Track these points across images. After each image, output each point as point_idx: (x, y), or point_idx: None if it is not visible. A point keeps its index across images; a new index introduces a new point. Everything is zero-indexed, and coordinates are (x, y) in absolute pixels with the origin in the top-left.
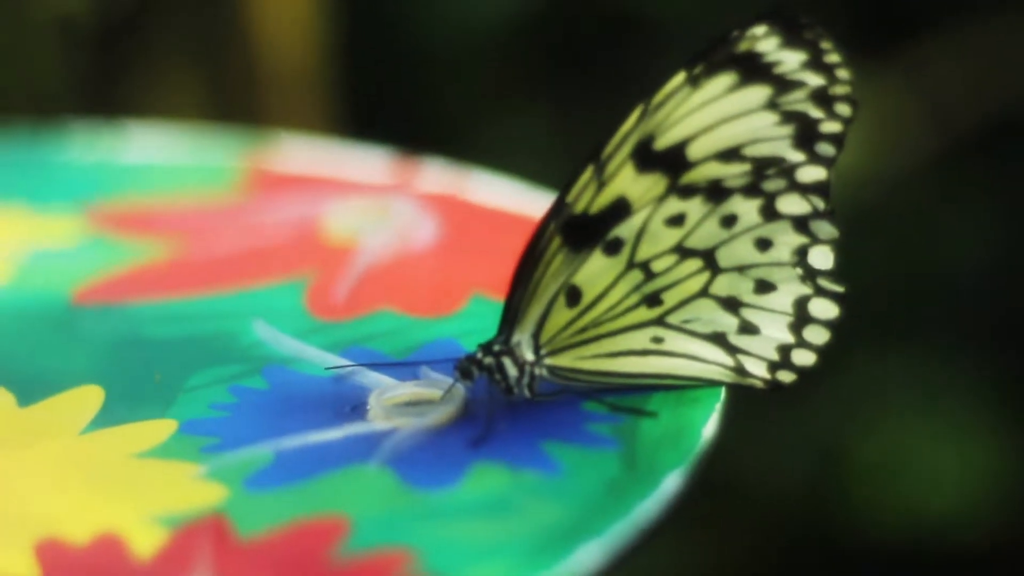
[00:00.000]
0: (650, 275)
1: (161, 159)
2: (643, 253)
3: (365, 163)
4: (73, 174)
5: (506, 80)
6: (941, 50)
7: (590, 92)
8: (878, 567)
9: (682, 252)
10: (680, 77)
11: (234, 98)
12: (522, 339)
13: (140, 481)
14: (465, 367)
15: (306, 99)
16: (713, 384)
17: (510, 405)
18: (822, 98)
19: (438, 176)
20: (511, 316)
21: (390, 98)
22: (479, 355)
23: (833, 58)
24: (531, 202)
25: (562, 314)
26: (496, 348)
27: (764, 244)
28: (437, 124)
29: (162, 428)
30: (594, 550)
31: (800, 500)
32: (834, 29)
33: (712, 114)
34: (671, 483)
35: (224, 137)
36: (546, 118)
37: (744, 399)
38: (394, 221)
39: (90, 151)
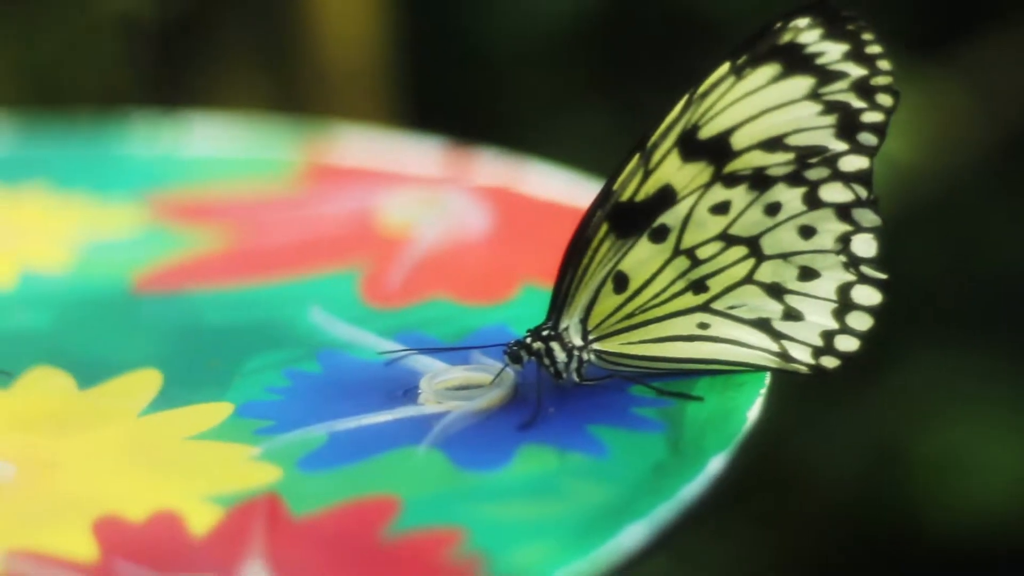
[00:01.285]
0: (696, 262)
1: (220, 151)
2: (689, 240)
3: (419, 155)
4: (134, 165)
5: (566, 79)
6: (998, 47)
7: (650, 91)
8: (935, 564)
9: (727, 239)
10: (724, 68)
11: (296, 94)
12: (570, 324)
13: (196, 462)
14: (514, 352)
15: (368, 96)
16: (758, 369)
17: (558, 389)
18: (864, 88)
19: (490, 167)
20: (559, 302)
21: (451, 96)
22: (528, 340)
23: (874, 49)
24: (582, 193)
25: (609, 300)
26: (545, 333)
27: (808, 232)
28: (497, 123)
29: (218, 411)
30: (640, 531)
31: (857, 497)
32: (892, 25)
33: (756, 104)
34: (716, 465)
35: (281, 130)
36: (605, 117)
37: (800, 396)
38: (447, 212)
39: (151, 143)
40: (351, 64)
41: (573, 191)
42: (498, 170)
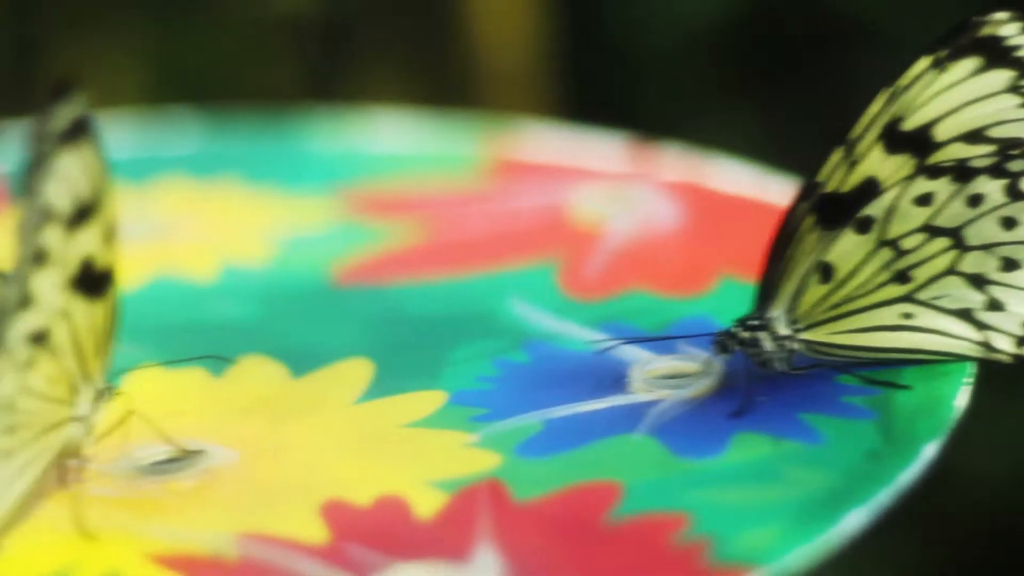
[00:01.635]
0: (900, 253)
1: (405, 147)
2: (893, 231)
3: (603, 151)
4: (322, 160)
5: (710, 78)
6: None
7: (796, 92)
8: None
9: (930, 231)
10: (925, 61)
11: (452, 93)
12: (777, 314)
13: (415, 449)
14: (723, 341)
15: (523, 94)
16: (960, 359)
17: (766, 378)
18: None
19: (676, 163)
20: (766, 292)
21: (600, 96)
22: (736, 330)
23: None
24: (767, 188)
25: (815, 290)
26: (753, 323)
27: (1009, 223)
28: (646, 121)
29: (432, 399)
30: (860, 516)
31: (1009, 498)
32: None
33: (957, 97)
34: (929, 452)
35: (464, 126)
36: (752, 117)
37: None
38: (637, 206)
39: (337, 138)
40: (507, 62)
41: (758, 186)
42: (682, 165)
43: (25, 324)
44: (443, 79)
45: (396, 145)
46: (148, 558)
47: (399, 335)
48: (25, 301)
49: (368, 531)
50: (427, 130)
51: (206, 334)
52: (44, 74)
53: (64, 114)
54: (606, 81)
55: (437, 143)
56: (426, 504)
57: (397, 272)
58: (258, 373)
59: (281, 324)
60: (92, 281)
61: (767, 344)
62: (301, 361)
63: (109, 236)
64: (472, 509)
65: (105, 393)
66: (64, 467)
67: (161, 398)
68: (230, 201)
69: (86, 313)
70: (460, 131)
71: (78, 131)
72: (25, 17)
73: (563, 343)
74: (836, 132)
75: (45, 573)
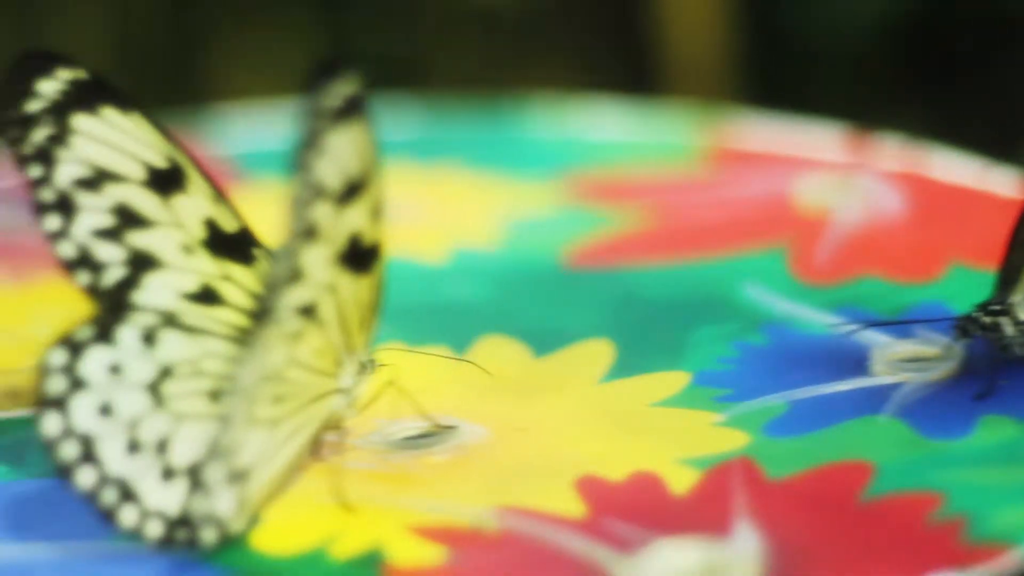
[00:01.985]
0: None
1: (624, 135)
2: None
3: (822, 140)
4: (542, 146)
5: (883, 79)
6: None
7: (964, 91)
8: None
9: None
10: None
11: (640, 84)
12: (1018, 300)
13: (663, 427)
14: (964, 326)
15: (704, 84)
16: None
17: (1008, 362)
18: None
19: (895, 153)
20: (1007, 278)
21: (778, 87)
22: (977, 315)
23: None
24: (986, 178)
25: None
26: (994, 308)
27: None
28: (821, 113)
29: (676, 379)
30: None
31: None
32: None
33: None
34: None
35: (681, 115)
36: (923, 114)
37: None
38: (861, 194)
39: (555, 126)
40: (691, 53)
41: (978, 176)
42: (902, 155)
43: (294, 297)
44: (632, 71)
45: (615, 132)
46: (408, 530)
47: (636, 317)
48: (295, 275)
49: (625, 506)
50: (644, 118)
51: (443, 315)
52: (207, 65)
53: (337, 92)
54: (783, 73)
55: (655, 131)
56: (680, 481)
57: (628, 256)
58: (500, 353)
59: (517, 305)
60: (359, 257)
61: (1008, 329)
62: (541, 341)
63: (376, 212)
64: (727, 486)
65: (367, 367)
66: (323, 439)
67: (408, 376)
68: (454, 185)
69: (351, 287)
70: (677, 120)
71: (351, 109)
72: (189, 7)
73: (800, 326)
74: (1009, 130)
75: (307, 544)
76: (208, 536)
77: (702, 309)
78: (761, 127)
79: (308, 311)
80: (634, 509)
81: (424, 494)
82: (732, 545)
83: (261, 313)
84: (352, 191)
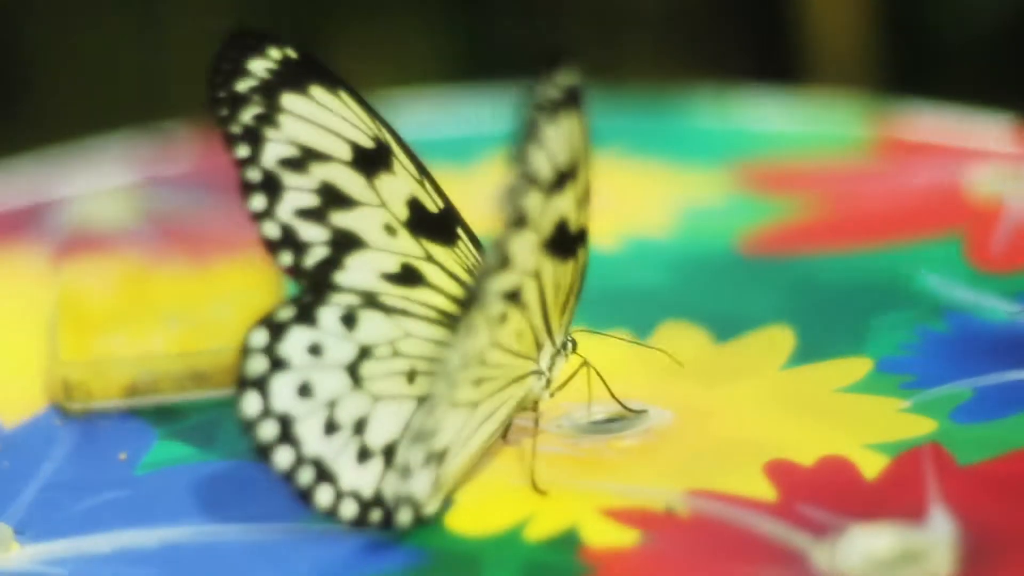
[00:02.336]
0: None
1: (789, 125)
2: None
3: (987, 130)
4: (710, 137)
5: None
6: None
7: None
8: None
9: None
10: None
11: (786, 75)
12: None
13: (849, 413)
14: None
15: (847, 77)
16: None
17: None
18: None
19: None
20: None
21: (918, 80)
22: None
23: None
24: None
25: None
26: None
27: None
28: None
29: (859, 365)
30: None
31: None
32: None
33: None
34: None
35: (846, 106)
36: None
37: None
38: None
39: (720, 116)
40: (839, 45)
41: None
42: None
43: (501, 283)
44: (775, 62)
45: (780, 123)
46: (601, 512)
47: (814, 303)
48: (504, 262)
49: (815, 490)
50: (808, 109)
51: (622, 301)
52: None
53: (558, 83)
54: (922, 63)
55: (820, 122)
56: (870, 466)
57: (802, 243)
58: (680, 339)
59: (695, 292)
60: (564, 243)
61: None
62: (722, 328)
63: (583, 200)
64: (917, 472)
65: (564, 349)
66: (513, 421)
67: (595, 360)
68: (624, 174)
69: (554, 273)
70: (840, 110)
71: (569, 100)
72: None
73: (980, 314)
74: None
75: (502, 525)
76: (403, 517)
77: (880, 296)
78: (926, 118)
79: (513, 296)
80: (826, 494)
81: (615, 477)
82: (927, 531)
83: (469, 298)
84: (562, 180)
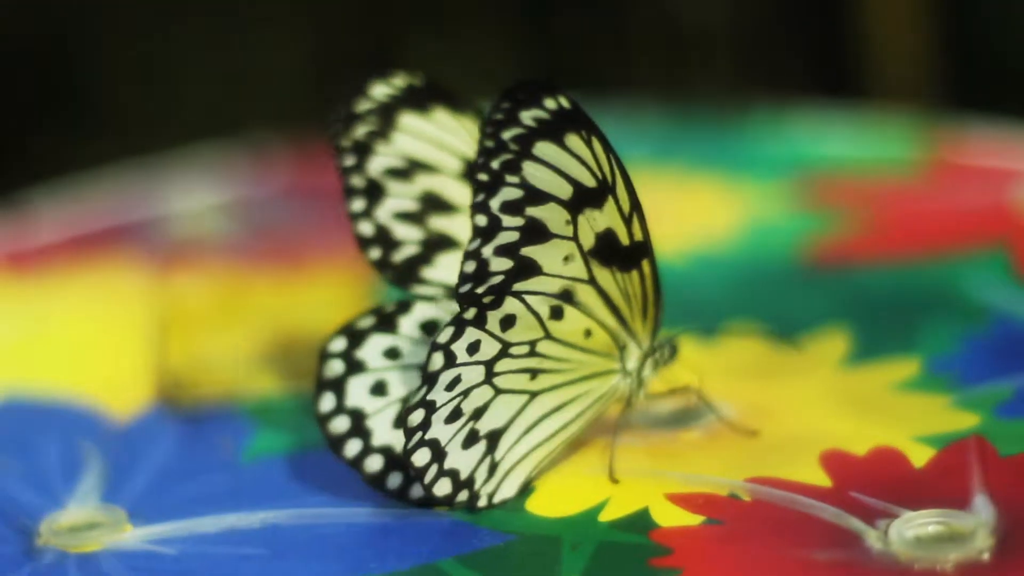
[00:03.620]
0: None
1: (848, 145)
2: None
3: None
4: (772, 154)
5: None
6: None
7: None
8: None
9: None
10: None
11: (845, 96)
12: None
13: (899, 408)
14: None
15: (908, 96)
16: None
17: None
18: None
19: None
20: None
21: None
22: None
23: None
24: None
25: None
26: None
27: None
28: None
29: (909, 365)
30: None
31: None
32: None
33: None
34: None
35: (903, 128)
36: None
37: None
38: None
39: (783, 135)
40: (899, 66)
41: None
42: None
43: (531, 286)
44: (834, 82)
45: (840, 143)
46: (669, 497)
47: (869, 309)
48: (528, 269)
49: (867, 479)
50: (866, 129)
51: (689, 310)
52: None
53: (547, 107)
54: (982, 89)
55: (877, 142)
56: (918, 455)
57: (858, 256)
58: (743, 340)
59: (756, 301)
60: (617, 254)
61: None
62: (783, 330)
63: (631, 215)
64: (962, 462)
65: (659, 353)
66: (604, 416)
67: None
68: (688, 190)
69: (616, 280)
70: (896, 131)
71: (563, 122)
72: (386, 12)
73: (1022, 319)
74: None
75: (580, 508)
76: (440, 489)
77: (930, 303)
78: (978, 139)
79: (565, 296)
80: (878, 481)
81: (683, 467)
82: (970, 515)
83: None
84: (587, 197)
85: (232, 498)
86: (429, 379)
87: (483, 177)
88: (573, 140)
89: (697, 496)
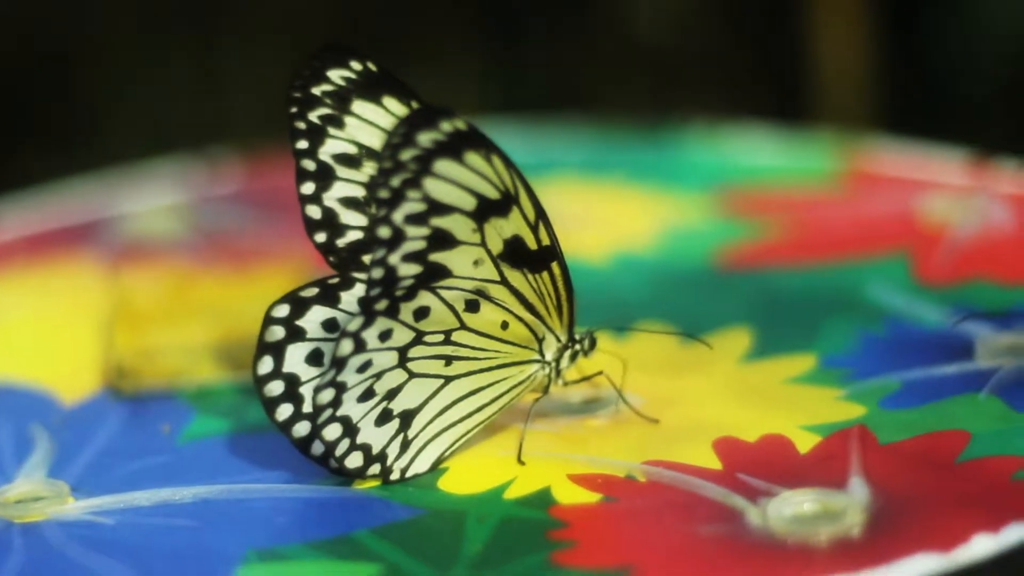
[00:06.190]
0: None
1: (770, 158)
2: None
3: (946, 164)
4: (699, 166)
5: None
6: None
7: None
8: None
9: None
10: None
11: (789, 114)
12: None
13: (792, 400)
14: None
15: (849, 112)
16: None
17: None
18: None
19: (1012, 177)
20: None
21: (913, 123)
22: None
23: None
24: None
25: None
26: None
27: None
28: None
29: (806, 360)
30: None
31: None
32: None
33: None
34: None
35: (820, 142)
36: None
37: None
38: (978, 212)
39: (709, 148)
40: (841, 85)
41: None
42: (1017, 180)
43: (455, 284)
44: (780, 100)
45: (763, 156)
46: (570, 478)
47: (772, 310)
48: (437, 272)
49: (755, 463)
50: (790, 144)
51: (608, 307)
52: None
53: (441, 128)
54: (922, 104)
55: (798, 156)
56: (804, 442)
57: (768, 260)
58: (654, 337)
59: (670, 300)
60: (526, 257)
61: None
62: (690, 329)
63: (537, 223)
64: (843, 447)
65: (575, 345)
66: (518, 402)
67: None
68: (618, 199)
69: (527, 281)
70: (818, 146)
71: (459, 142)
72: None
73: (917, 320)
74: None
75: (486, 487)
76: (352, 463)
77: (830, 304)
78: (893, 153)
79: (480, 293)
80: (763, 465)
81: (585, 450)
82: (846, 496)
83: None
84: (491, 207)
85: (167, 475)
86: (337, 363)
87: (384, 194)
88: (472, 157)
89: (596, 476)
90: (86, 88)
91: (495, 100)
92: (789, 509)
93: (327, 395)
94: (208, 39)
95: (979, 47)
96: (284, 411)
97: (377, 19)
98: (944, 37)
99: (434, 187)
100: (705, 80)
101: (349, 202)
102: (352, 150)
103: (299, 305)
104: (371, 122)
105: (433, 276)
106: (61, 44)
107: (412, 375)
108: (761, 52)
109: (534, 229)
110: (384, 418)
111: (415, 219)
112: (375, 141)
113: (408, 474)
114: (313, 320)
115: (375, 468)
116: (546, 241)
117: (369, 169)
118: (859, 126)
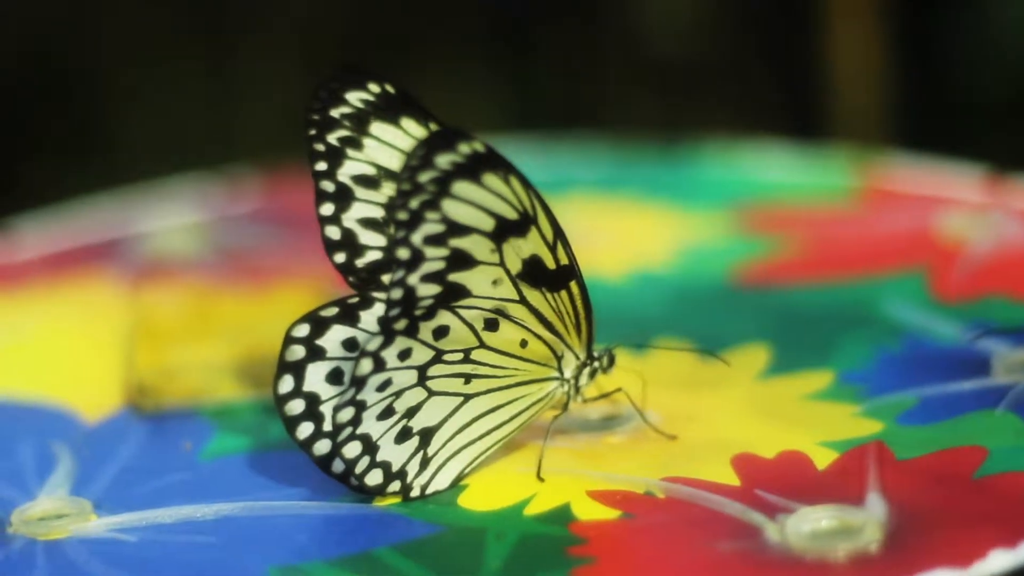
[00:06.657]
0: None
1: (787, 175)
2: None
3: (962, 181)
4: (715, 184)
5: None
6: None
7: None
8: None
9: None
10: None
11: (805, 130)
12: None
13: (810, 416)
14: None
15: (866, 129)
16: None
17: None
18: None
19: None
20: None
21: (934, 131)
22: None
23: None
24: None
25: None
26: None
27: None
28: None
29: (823, 377)
30: None
31: None
32: None
33: None
34: None
35: (838, 159)
36: None
37: None
38: (995, 228)
39: (726, 165)
40: (856, 101)
41: None
42: None
43: (472, 303)
44: (796, 116)
45: (779, 173)
46: (589, 494)
47: (789, 326)
48: (455, 293)
49: (773, 479)
50: (806, 161)
51: (625, 324)
52: None
53: (460, 150)
54: (937, 120)
55: (815, 173)
56: (822, 458)
57: (785, 277)
58: (673, 354)
59: (687, 317)
60: (545, 276)
61: None
62: (708, 345)
63: (555, 242)
64: (860, 463)
65: (594, 363)
66: (538, 420)
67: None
68: (635, 216)
69: (545, 300)
70: (834, 163)
71: (478, 164)
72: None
73: (934, 336)
74: None
75: (507, 503)
76: (372, 480)
77: (849, 320)
78: (909, 170)
79: (499, 312)
80: (782, 481)
81: (604, 467)
82: (863, 512)
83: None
84: (510, 228)
85: (189, 492)
86: (357, 382)
87: (402, 216)
88: (490, 179)
89: (615, 493)
90: (98, 103)
91: (509, 116)
92: (807, 525)
93: (347, 414)
94: (221, 53)
95: (997, 60)
96: (305, 429)
97: (389, 38)
98: (962, 50)
99: (453, 208)
100: (719, 95)
101: (368, 223)
102: (371, 171)
103: (319, 324)
104: (390, 143)
105: (452, 296)
106: (75, 60)
107: (432, 393)
108: (776, 66)
109: (552, 248)
110: (404, 436)
111: (434, 240)
112: (394, 162)
113: (428, 491)
114: (333, 339)
115: (395, 485)
116: (564, 260)
117: (388, 190)
118: (876, 139)
